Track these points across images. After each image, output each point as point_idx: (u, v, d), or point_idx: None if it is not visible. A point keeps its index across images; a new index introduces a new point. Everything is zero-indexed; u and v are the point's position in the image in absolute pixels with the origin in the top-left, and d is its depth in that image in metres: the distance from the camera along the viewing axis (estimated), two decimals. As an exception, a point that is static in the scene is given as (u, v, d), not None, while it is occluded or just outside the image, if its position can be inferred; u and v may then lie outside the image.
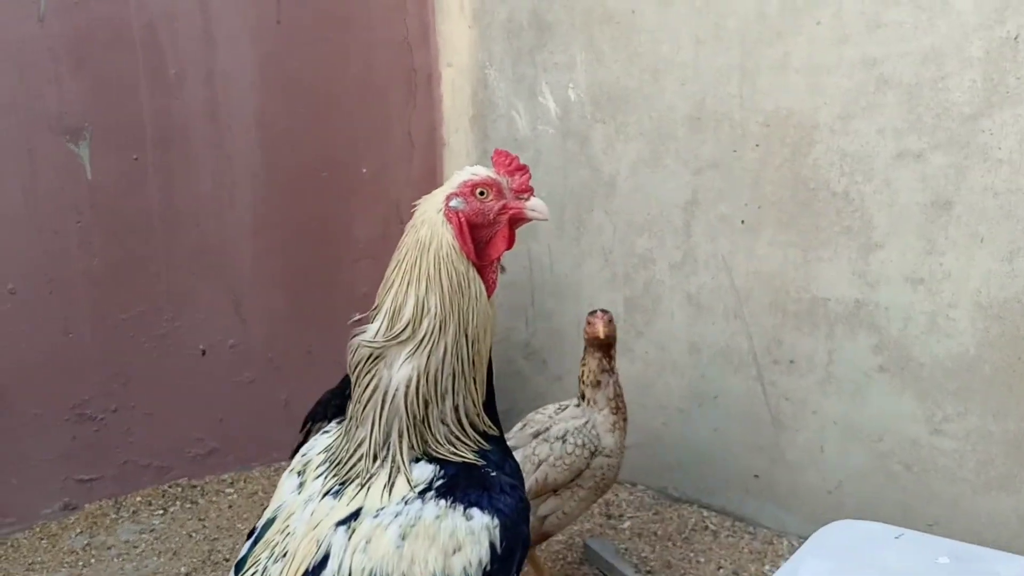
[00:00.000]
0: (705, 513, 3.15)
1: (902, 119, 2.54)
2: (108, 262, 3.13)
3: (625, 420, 2.56)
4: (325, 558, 1.39)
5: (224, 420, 3.46)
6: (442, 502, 1.41)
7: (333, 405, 2.78)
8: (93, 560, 2.95)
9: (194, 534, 3.09)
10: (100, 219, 3.09)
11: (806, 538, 2.88)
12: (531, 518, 2.47)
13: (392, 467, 1.46)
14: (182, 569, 2.88)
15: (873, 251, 2.64)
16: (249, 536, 1.61)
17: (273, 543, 1.52)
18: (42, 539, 3.06)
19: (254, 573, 1.50)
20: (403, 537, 1.38)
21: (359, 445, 1.49)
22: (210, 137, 3.26)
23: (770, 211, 2.84)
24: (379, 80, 3.62)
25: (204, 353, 3.38)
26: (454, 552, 1.37)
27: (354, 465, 1.49)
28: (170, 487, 3.37)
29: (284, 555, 1.46)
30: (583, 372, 2.54)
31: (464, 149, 3.71)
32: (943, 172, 2.49)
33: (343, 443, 1.53)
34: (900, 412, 2.67)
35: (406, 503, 1.41)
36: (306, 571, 1.40)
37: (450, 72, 3.70)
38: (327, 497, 1.49)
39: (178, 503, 3.29)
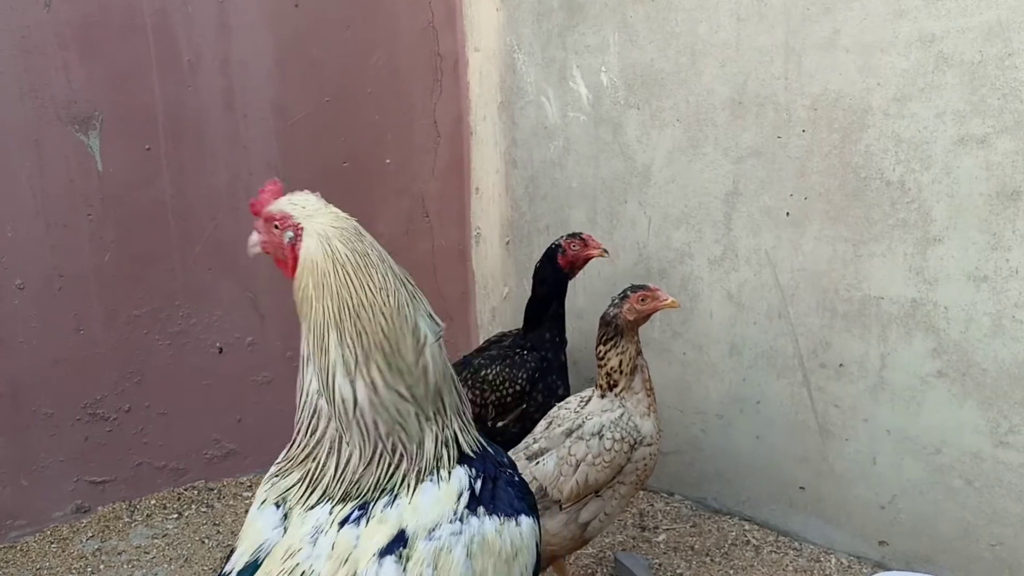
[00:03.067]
0: (746, 527, 2.95)
1: (964, 101, 2.31)
2: (120, 257, 3.02)
3: (656, 401, 2.40)
4: None
5: (242, 420, 3.34)
6: (496, 516, 1.37)
7: None
8: (102, 566, 2.84)
9: (207, 540, 2.97)
10: (111, 212, 2.98)
11: (856, 556, 2.70)
12: (572, 525, 2.30)
13: (425, 468, 1.38)
14: (192, 578, 2.77)
15: (931, 246, 2.42)
16: None
17: None
18: (52, 543, 2.96)
19: None
20: (469, 556, 1.30)
21: (377, 446, 1.39)
22: (226, 127, 3.13)
23: (817, 202, 2.63)
24: (403, 66, 3.46)
25: (221, 351, 3.25)
26: (513, 559, 1.36)
27: (365, 477, 1.37)
28: (186, 490, 3.25)
29: None
30: (618, 361, 2.35)
31: (492, 138, 3.53)
32: (1010, 159, 2.26)
33: (333, 459, 1.38)
34: (961, 422, 2.44)
35: (461, 520, 1.33)
36: None
37: (477, 57, 3.53)
38: (348, 526, 1.33)
39: (193, 507, 3.17)
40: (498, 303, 3.69)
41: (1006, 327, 2.32)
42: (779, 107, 2.67)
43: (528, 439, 2.44)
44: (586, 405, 2.41)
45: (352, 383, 1.36)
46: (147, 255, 3.06)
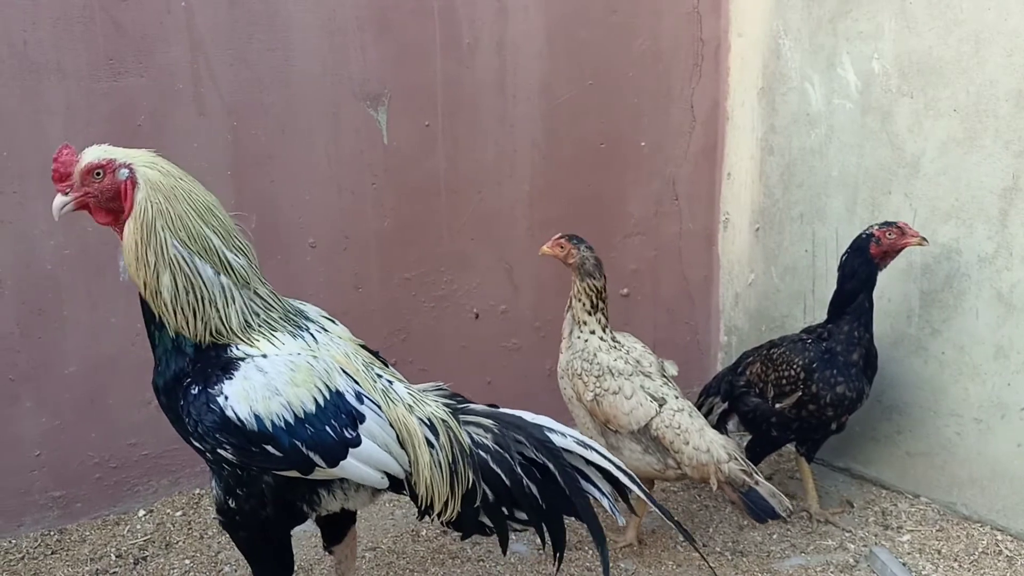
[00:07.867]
0: (999, 537, 2.83)
1: None
2: (397, 223, 3.29)
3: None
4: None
5: (492, 382, 3.55)
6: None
7: (726, 381, 3.09)
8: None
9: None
10: (392, 182, 3.25)
11: None
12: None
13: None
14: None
15: None
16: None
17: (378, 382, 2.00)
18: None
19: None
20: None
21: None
22: (495, 106, 3.33)
23: (1111, 202, 2.47)
24: (664, 50, 3.54)
25: (477, 316, 3.48)
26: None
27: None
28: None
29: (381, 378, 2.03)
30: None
31: (749, 123, 3.54)
32: None
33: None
34: None
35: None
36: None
37: (740, 43, 3.54)
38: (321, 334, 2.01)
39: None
40: (742, 289, 3.70)
41: None
42: (1073, 99, 2.53)
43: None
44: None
45: (234, 256, 1.85)
46: (420, 223, 3.32)
